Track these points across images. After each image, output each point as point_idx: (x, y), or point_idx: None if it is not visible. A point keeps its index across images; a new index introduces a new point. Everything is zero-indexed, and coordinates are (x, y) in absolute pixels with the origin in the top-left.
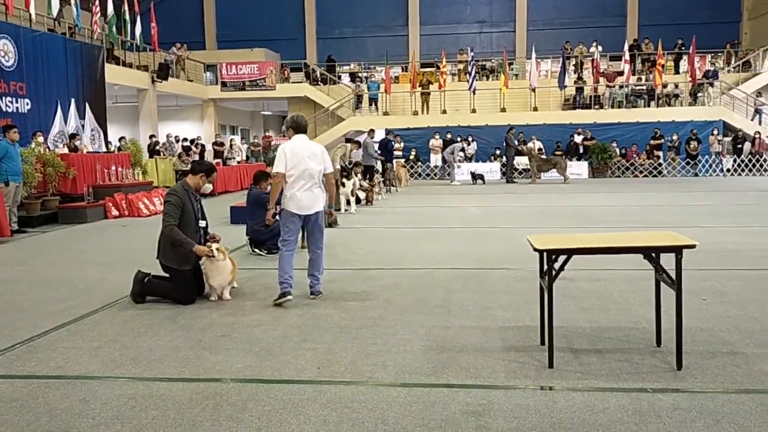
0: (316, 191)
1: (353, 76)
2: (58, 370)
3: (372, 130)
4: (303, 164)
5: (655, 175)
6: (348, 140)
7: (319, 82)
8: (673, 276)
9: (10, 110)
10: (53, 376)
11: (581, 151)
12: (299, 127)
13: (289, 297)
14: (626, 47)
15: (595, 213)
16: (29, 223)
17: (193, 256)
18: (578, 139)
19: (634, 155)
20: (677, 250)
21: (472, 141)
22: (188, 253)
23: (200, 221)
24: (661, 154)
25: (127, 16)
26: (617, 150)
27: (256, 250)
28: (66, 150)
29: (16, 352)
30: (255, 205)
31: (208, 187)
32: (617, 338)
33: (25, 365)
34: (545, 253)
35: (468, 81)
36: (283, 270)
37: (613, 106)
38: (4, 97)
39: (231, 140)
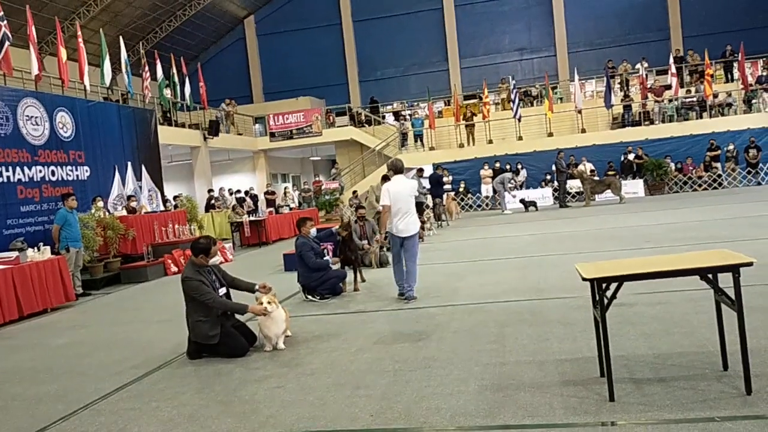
0: (409, 219)
1: (397, 115)
2: None
3: (421, 169)
4: (400, 201)
5: (715, 188)
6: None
7: (364, 124)
8: (733, 296)
9: (71, 178)
10: None
11: (635, 169)
12: (397, 170)
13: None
14: (671, 60)
15: (652, 232)
16: (94, 286)
17: (219, 323)
18: (631, 156)
19: (691, 169)
20: (734, 269)
21: (522, 168)
22: (213, 324)
23: (219, 290)
24: (719, 165)
25: (176, 79)
26: (672, 165)
27: (309, 297)
28: (124, 212)
29: (80, 416)
30: (302, 253)
31: (215, 260)
32: (681, 364)
33: (88, 430)
34: (595, 282)
35: (512, 109)
36: (397, 278)
37: (664, 121)
38: (64, 167)
39: (285, 188)
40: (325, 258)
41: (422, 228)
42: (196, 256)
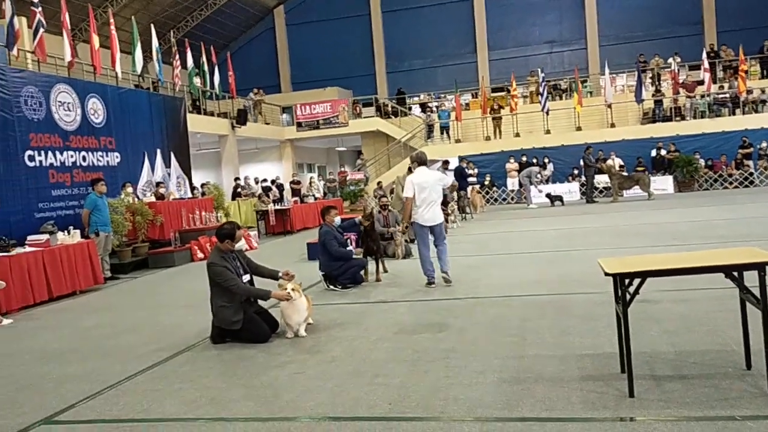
0: (435, 208)
1: (423, 107)
2: (142, 413)
3: (447, 161)
4: (425, 192)
5: (746, 186)
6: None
7: (391, 115)
8: (758, 294)
9: (101, 164)
10: (138, 420)
11: (666, 164)
12: (421, 162)
13: (433, 284)
14: (704, 55)
15: (679, 229)
16: (122, 270)
17: (243, 309)
18: (663, 152)
19: (723, 166)
20: (760, 267)
21: (549, 162)
22: (236, 310)
23: (243, 277)
24: (751, 163)
25: (206, 68)
26: (702, 162)
27: (331, 286)
28: (153, 198)
29: (105, 396)
30: (325, 241)
31: (241, 245)
32: (703, 362)
33: (113, 409)
34: (617, 277)
35: (540, 102)
36: (425, 267)
37: (695, 117)
38: (95, 152)
39: (310, 178)
40: (348, 248)
41: (446, 220)
42: (221, 242)
